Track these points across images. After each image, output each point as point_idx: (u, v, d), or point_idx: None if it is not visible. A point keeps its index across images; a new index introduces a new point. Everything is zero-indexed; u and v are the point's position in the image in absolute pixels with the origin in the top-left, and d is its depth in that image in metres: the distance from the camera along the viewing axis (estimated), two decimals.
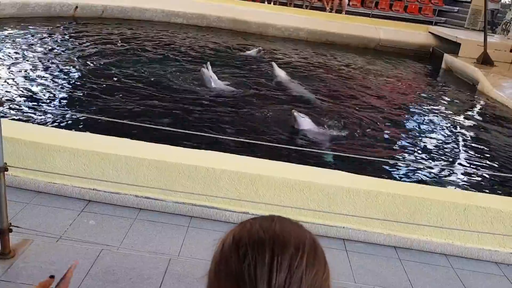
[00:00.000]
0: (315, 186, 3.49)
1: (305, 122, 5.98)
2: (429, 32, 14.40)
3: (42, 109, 5.74)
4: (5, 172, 2.64)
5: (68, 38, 10.14)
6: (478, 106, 8.86)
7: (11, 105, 5.64)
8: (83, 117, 5.44)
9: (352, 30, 14.11)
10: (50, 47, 8.98)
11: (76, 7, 12.48)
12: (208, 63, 7.61)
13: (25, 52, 8.32)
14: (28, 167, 3.37)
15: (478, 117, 8.08)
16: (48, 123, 5.27)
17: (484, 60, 11.20)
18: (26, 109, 5.64)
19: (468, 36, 12.72)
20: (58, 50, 8.88)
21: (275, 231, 0.75)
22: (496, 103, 8.69)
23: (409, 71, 11.87)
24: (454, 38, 12.71)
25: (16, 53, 8.19)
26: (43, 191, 3.44)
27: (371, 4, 17.15)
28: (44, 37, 9.78)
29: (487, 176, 5.36)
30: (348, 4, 16.81)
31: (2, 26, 10.02)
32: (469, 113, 8.41)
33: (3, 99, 5.54)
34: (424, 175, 5.22)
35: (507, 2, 15.97)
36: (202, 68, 7.51)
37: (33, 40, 9.40)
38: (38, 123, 5.20)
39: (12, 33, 9.66)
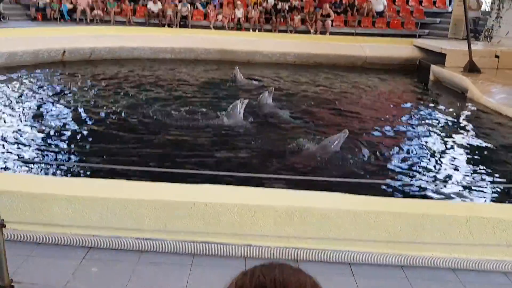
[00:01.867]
0: (316, 210, 3.48)
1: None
2: (414, 45, 14.59)
3: (36, 158, 5.72)
4: (4, 228, 2.62)
5: (57, 83, 10.22)
6: (470, 114, 8.91)
7: (3, 157, 5.62)
8: (78, 164, 5.44)
9: (338, 49, 14.30)
10: (39, 94, 9.03)
11: (64, 51, 12.61)
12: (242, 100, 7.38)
13: (14, 101, 8.35)
14: (26, 220, 3.35)
15: (470, 125, 8.12)
16: (43, 172, 5.25)
17: (471, 68, 11.34)
18: (19, 160, 5.62)
19: (452, 46, 12.90)
20: (47, 96, 8.93)
21: (275, 275, 0.76)
22: (487, 110, 8.75)
23: (398, 85, 12.00)
24: (439, 49, 12.88)
25: (4, 102, 8.21)
26: (43, 242, 3.40)
27: (354, 23, 17.41)
28: (33, 85, 9.86)
29: (485, 184, 5.35)
30: (332, 25, 17.06)
31: None
32: (461, 122, 8.46)
33: None
34: (422, 189, 5.21)
35: (487, 10, 16.26)
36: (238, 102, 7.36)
37: (22, 88, 9.46)
38: (33, 173, 5.18)
39: (0, 83, 9.71)
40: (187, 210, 3.41)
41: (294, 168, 5.59)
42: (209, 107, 8.13)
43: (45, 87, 9.69)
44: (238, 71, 10.82)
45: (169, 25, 16.77)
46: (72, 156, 5.88)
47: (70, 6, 16.92)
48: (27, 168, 5.35)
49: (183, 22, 17.05)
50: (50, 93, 9.20)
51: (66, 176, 5.11)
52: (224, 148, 6.24)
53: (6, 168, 5.25)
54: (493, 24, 14.62)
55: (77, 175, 5.12)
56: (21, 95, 8.85)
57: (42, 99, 8.67)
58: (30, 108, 7.97)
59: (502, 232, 3.37)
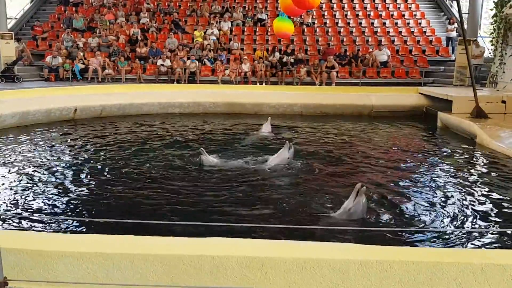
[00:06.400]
0: (326, 262, 3.39)
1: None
2: (420, 93, 14.75)
3: (44, 215, 5.71)
4: (6, 287, 2.58)
5: (66, 140, 10.38)
6: (481, 160, 8.84)
7: (9, 215, 5.62)
8: (84, 219, 5.41)
9: (344, 99, 14.51)
10: (46, 151, 9.15)
11: (75, 109, 12.91)
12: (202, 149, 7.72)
13: (20, 159, 8.45)
14: (30, 278, 3.30)
15: (482, 170, 8.03)
16: (49, 229, 5.22)
17: (478, 114, 11.38)
18: (24, 217, 5.59)
19: (458, 93, 13.02)
20: (54, 153, 9.04)
21: None
22: (498, 154, 8.68)
23: (406, 132, 12.01)
24: (445, 96, 13.00)
25: (13, 160, 8.32)
26: None
27: (359, 73, 17.72)
28: (44, 143, 10.01)
29: (499, 230, 5.21)
30: (337, 76, 17.37)
31: (3, 136, 10.30)
32: (473, 167, 8.37)
33: (1, 210, 5.59)
34: (434, 237, 5.08)
35: (490, 56, 16.51)
36: (200, 155, 7.61)
37: (33, 147, 9.59)
38: (39, 230, 5.15)
39: (12, 142, 9.88)
40: (194, 264, 3.35)
41: (300, 218, 5.51)
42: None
43: (54, 144, 9.83)
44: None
45: (178, 81, 17.19)
46: (79, 212, 5.85)
47: (82, 66, 17.49)
48: (32, 225, 5.33)
49: (192, 78, 17.49)
50: (58, 150, 9.34)
51: (72, 232, 5.08)
52: (237, 200, 6.21)
53: (12, 225, 5.23)
54: (497, 70, 14.80)
55: (83, 231, 5.09)
56: (27, 153, 8.95)
57: (48, 156, 8.77)
58: (37, 165, 8.03)
59: None
